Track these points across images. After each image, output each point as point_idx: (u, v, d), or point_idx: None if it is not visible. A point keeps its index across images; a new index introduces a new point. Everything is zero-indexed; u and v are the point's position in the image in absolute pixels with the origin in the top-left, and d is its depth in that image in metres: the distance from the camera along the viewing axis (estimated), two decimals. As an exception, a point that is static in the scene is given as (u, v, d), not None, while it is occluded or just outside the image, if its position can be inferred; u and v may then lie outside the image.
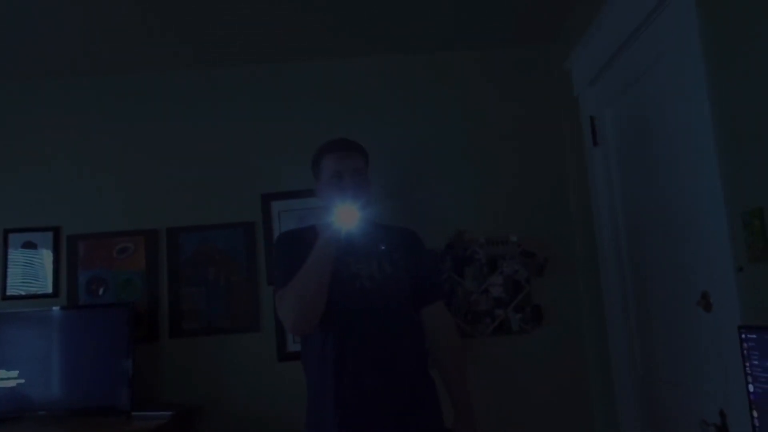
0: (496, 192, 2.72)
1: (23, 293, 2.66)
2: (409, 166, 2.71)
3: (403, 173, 2.68)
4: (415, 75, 2.80)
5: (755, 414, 1.19)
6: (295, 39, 2.57)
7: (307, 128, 2.68)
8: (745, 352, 1.21)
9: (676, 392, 1.92)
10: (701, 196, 1.62)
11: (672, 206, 1.85)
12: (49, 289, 2.66)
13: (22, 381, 2.42)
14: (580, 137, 2.51)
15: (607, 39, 2.12)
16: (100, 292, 2.65)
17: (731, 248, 1.49)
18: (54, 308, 2.54)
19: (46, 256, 2.68)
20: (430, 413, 1.74)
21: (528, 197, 2.72)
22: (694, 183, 1.67)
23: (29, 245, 2.69)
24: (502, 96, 2.79)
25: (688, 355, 1.83)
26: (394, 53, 2.78)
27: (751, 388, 1.20)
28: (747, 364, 1.21)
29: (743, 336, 1.22)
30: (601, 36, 2.18)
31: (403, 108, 2.77)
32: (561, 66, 2.60)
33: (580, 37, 2.34)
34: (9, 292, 2.66)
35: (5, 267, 2.67)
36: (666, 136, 1.86)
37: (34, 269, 2.68)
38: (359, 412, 1.63)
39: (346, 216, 1.61)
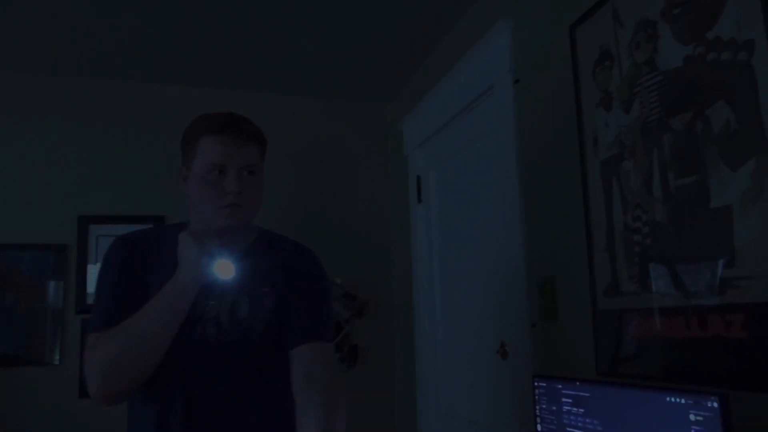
0: (323, 234, 2.83)
1: None
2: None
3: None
4: (250, 113, 2.80)
5: (541, 450, 1.43)
6: (122, 58, 2.48)
7: (132, 152, 2.58)
8: (536, 396, 1.45)
9: (473, 429, 2.17)
10: (507, 260, 1.90)
11: (482, 265, 2.13)
12: None
13: None
14: (406, 193, 2.75)
15: (439, 110, 2.39)
16: None
17: (528, 307, 1.77)
18: None
19: None
20: None
21: (355, 243, 2.88)
22: (502, 248, 1.95)
23: None
24: (338, 145, 2.95)
25: (486, 397, 2.08)
26: (230, 88, 2.79)
27: (539, 427, 1.43)
28: (537, 407, 1.44)
29: (536, 383, 1.45)
30: (433, 106, 2.44)
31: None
32: (395, 126, 2.84)
33: (416, 103, 2.59)
34: None
35: None
36: (482, 205, 2.14)
37: None
38: None
39: (221, 270, 1.18)
